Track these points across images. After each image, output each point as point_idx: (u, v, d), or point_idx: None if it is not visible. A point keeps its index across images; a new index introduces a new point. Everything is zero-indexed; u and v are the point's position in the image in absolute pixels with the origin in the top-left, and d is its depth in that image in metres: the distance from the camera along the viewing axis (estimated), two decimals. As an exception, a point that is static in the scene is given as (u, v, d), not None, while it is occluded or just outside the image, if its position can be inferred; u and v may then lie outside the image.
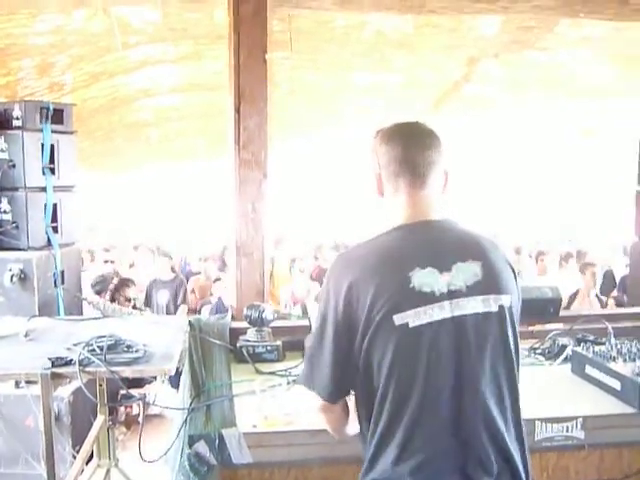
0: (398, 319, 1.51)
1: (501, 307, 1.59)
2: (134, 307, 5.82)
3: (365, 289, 1.53)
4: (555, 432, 2.15)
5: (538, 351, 2.80)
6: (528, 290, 2.93)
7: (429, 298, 1.53)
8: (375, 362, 1.54)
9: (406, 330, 1.51)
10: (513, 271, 1.68)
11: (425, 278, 1.55)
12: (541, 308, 2.88)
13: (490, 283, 1.59)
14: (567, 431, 2.16)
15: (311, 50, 4.54)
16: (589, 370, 2.48)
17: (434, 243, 1.61)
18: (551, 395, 2.37)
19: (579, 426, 2.16)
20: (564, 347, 2.74)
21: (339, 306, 1.56)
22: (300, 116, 6.27)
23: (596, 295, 6.18)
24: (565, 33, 4.25)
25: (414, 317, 1.52)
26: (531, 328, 3.01)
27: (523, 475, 1.59)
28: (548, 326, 3.02)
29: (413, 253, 1.58)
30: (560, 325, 3.00)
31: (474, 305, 1.56)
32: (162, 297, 6.53)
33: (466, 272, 1.58)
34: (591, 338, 2.84)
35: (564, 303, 5.96)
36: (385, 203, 1.70)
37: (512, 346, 1.60)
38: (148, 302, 6.53)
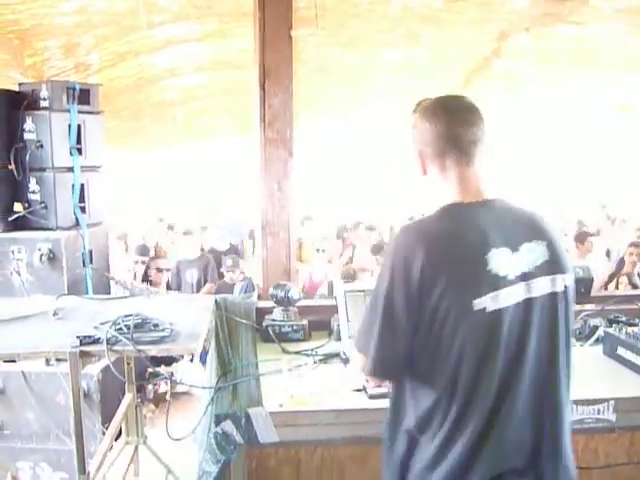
0: (477, 304, 1.48)
1: (566, 287, 1.59)
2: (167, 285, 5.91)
3: (440, 270, 1.48)
4: (586, 414, 2.12)
5: (569, 332, 2.76)
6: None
7: (505, 281, 1.51)
8: (449, 344, 1.50)
9: (484, 315, 1.48)
10: (566, 250, 1.71)
11: (500, 260, 1.51)
12: (572, 288, 2.82)
13: (556, 263, 1.59)
14: (598, 413, 2.13)
15: (336, 26, 4.47)
16: (621, 351, 2.44)
17: (499, 223, 1.56)
18: (582, 377, 2.30)
19: (611, 408, 2.13)
20: (596, 328, 2.70)
21: (411, 282, 1.49)
22: (326, 94, 6.20)
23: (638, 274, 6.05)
24: (599, 6, 4.13)
25: (492, 301, 1.49)
26: (562, 308, 2.96)
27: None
28: (579, 306, 2.96)
29: (485, 234, 1.53)
30: (591, 306, 2.94)
31: (544, 285, 1.56)
32: (191, 276, 6.57)
33: (533, 252, 1.57)
34: (623, 319, 2.78)
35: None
36: (431, 182, 1.64)
37: (570, 326, 1.63)
38: (178, 282, 6.57)
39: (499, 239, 1.53)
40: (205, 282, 6.54)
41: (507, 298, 1.50)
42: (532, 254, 1.56)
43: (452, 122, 1.58)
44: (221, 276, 6.70)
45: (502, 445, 1.53)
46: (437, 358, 1.52)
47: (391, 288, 1.53)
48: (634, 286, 5.59)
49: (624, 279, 5.71)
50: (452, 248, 1.51)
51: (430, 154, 1.61)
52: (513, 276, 1.52)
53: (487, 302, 1.48)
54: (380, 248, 6.50)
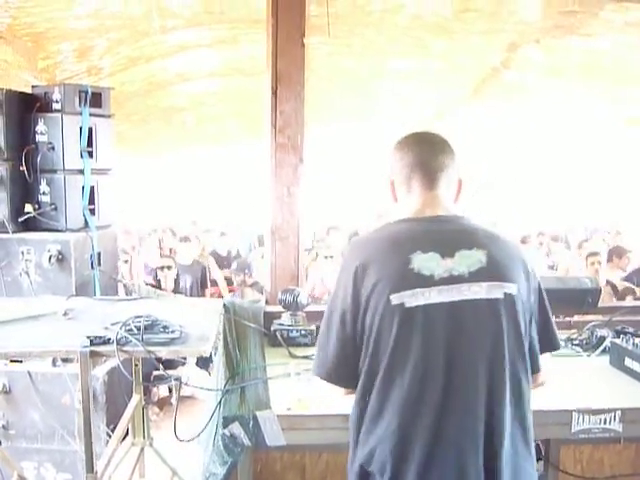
0: (395, 299, 1.53)
1: (507, 295, 1.57)
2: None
3: (370, 270, 1.58)
4: (592, 424, 2.11)
5: (576, 342, 2.76)
6: (566, 280, 2.89)
7: (427, 281, 1.55)
8: (371, 339, 1.56)
9: (402, 310, 1.53)
10: (525, 265, 1.66)
11: (426, 262, 1.57)
12: (579, 298, 2.83)
13: (495, 270, 1.59)
14: (605, 423, 2.12)
15: (348, 35, 4.50)
16: (628, 362, 2.44)
17: (439, 232, 1.64)
18: (589, 387, 2.33)
19: (617, 419, 2.12)
20: (603, 338, 2.70)
21: (348, 290, 1.60)
22: (336, 102, 6.22)
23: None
24: (610, 18, 4.14)
25: (410, 298, 1.53)
26: (569, 319, 2.97)
27: None
28: (586, 317, 2.97)
29: (416, 239, 1.61)
30: (599, 316, 2.95)
31: (476, 291, 1.56)
32: (184, 281, 6.58)
33: (470, 259, 1.59)
34: (630, 330, 2.78)
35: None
36: (398, 207, 1.75)
37: (514, 335, 1.58)
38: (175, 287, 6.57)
39: (430, 245, 1.59)
40: (200, 287, 6.55)
41: (428, 297, 1.53)
42: (467, 260, 1.58)
43: (419, 151, 1.71)
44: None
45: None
46: (365, 356, 1.58)
47: (335, 297, 1.65)
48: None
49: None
50: (380, 249, 1.62)
51: (399, 181, 1.74)
52: (439, 277, 1.55)
53: (405, 298, 1.53)
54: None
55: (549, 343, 1.74)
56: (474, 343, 1.54)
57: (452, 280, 1.55)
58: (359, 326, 1.58)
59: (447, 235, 1.63)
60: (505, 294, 1.57)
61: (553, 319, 1.75)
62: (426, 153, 1.71)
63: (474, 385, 1.53)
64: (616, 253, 6.75)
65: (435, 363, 1.52)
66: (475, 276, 1.56)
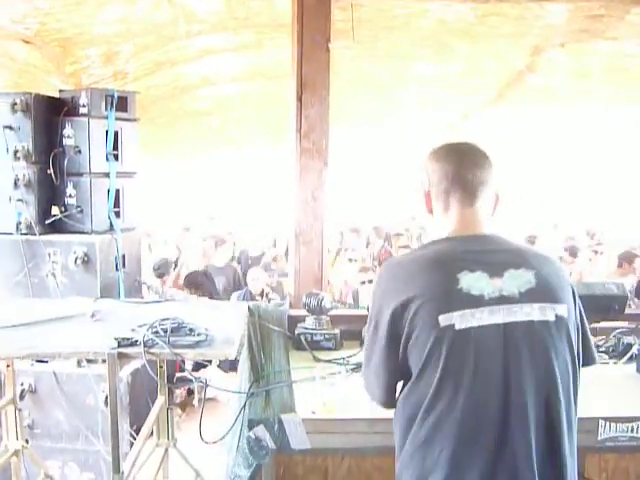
0: (443, 320, 1.46)
1: (559, 317, 1.52)
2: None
3: (413, 294, 1.50)
4: (619, 432, 2.09)
5: (602, 349, 2.73)
6: (592, 286, 2.86)
7: (478, 301, 1.48)
8: (419, 364, 1.49)
9: (452, 332, 1.46)
10: (571, 286, 1.61)
11: (474, 281, 1.50)
12: (606, 305, 2.80)
13: (545, 291, 1.53)
14: (632, 431, 2.10)
15: (372, 39, 4.50)
16: (656, 370, 2.42)
17: (484, 251, 1.57)
18: (615, 394, 2.30)
19: (645, 427, 2.10)
20: (629, 346, 2.67)
21: (386, 318, 1.54)
22: (359, 106, 6.24)
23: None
24: (636, 22, 4.10)
25: (461, 319, 1.46)
26: (595, 325, 2.93)
27: None
28: (612, 324, 2.93)
29: (462, 258, 1.54)
30: (625, 323, 2.91)
31: (528, 312, 1.50)
32: (218, 283, 6.63)
33: (519, 279, 1.52)
34: (658, 337, 2.75)
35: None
36: (434, 220, 1.69)
37: (569, 358, 1.53)
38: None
39: (477, 264, 1.52)
40: (233, 289, 6.59)
41: (480, 318, 1.47)
42: (517, 280, 1.52)
43: (459, 164, 1.63)
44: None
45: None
46: (412, 377, 1.53)
47: (377, 317, 1.58)
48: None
49: None
50: (424, 268, 1.54)
51: (435, 193, 1.66)
52: (489, 297, 1.49)
53: (455, 319, 1.46)
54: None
55: (588, 358, 1.68)
56: (529, 368, 1.47)
57: (503, 300, 1.49)
58: (401, 351, 1.53)
59: (493, 254, 1.57)
60: (557, 316, 1.51)
61: (590, 333, 1.71)
62: (466, 167, 1.62)
63: (528, 416, 1.46)
64: (626, 259, 6.69)
65: (491, 389, 1.46)
66: (526, 297, 1.50)
